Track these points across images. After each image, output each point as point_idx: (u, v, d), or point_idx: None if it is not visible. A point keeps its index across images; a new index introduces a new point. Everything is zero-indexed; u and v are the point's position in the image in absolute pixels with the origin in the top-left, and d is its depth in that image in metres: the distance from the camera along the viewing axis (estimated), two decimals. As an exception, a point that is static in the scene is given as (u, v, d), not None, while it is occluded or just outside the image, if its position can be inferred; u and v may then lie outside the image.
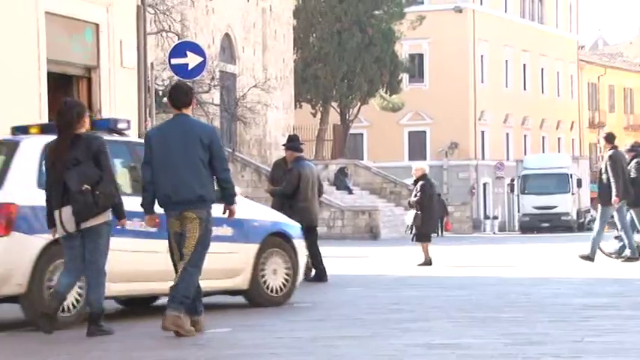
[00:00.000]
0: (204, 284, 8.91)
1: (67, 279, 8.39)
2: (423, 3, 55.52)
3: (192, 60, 17.20)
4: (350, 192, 39.46)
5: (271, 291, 10.77)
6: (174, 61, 17.39)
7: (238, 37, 39.89)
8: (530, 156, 56.55)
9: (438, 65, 57.00)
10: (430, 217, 17.41)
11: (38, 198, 8.73)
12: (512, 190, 52.97)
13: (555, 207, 49.28)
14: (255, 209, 10.85)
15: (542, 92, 65.43)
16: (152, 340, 8.28)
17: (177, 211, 8.23)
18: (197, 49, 17.52)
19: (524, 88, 63.71)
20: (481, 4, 58.86)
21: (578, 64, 69.55)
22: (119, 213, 8.43)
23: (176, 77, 18.72)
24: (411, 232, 17.58)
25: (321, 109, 45.85)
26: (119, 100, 16.08)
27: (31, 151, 9.18)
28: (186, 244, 8.22)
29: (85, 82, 15.81)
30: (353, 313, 10.09)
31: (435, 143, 57.09)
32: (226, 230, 10.10)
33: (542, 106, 64.31)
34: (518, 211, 51.82)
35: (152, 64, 17.75)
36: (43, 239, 8.79)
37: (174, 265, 8.36)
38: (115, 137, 9.68)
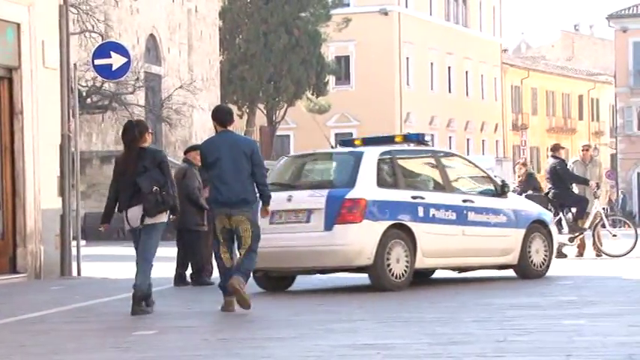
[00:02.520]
0: (486, 260, 13.09)
1: (139, 276, 10.03)
2: (349, 5, 55.72)
3: (116, 61, 17.02)
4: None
5: (535, 266, 13.49)
6: (97, 61, 17.19)
7: (163, 37, 39.63)
8: (455, 158, 57.03)
9: (364, 67, 57.27)
10: None
11: (377, 194, 12.05)
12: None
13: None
14: (523, 202, 14.20)
15: (467, 95, 66.11)
16: (73, 343, 8.18)
17: (225, 211, 10.01)
18: (121, 50, 17.34)
19: (449, 91, 64.31)
20: (406, 6, 59.27)
21: (502, 67, 70.40)
22: (174, 211, 10.14)
23: (100, 78, 18.49)
24: None
25: (247, 110, 45.75)
26: (41, 100, 15.86)
27: (371, 159, 12.28)
28: (244, 241, 10.01)
29: (6, 82, 15.56)
30: (279, 314, 10.07)
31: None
32: (502, 218, 13.19)
33: (467, 109, 64.98)
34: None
35: (75, 64, 17.53)
36: (383, 225, 11.93)
37: (218, 258, 10.18)
38: (422, 147, 13.35)
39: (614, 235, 18.57)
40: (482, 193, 13.29)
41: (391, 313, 9.84)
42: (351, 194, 11.92)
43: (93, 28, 31.03)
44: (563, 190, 18.71)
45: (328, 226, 11.91)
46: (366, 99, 56.56)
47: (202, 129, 40.67)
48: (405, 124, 58.63)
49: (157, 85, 38.76)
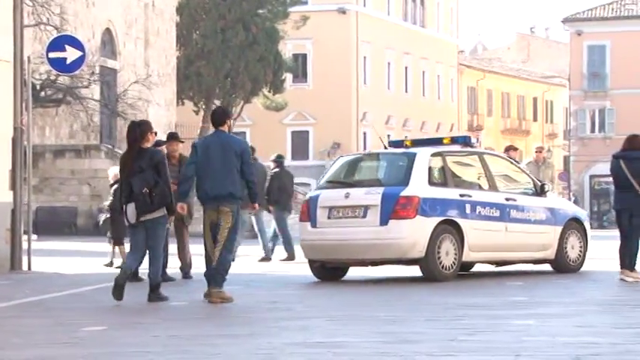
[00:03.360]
0: (526, 255, 14.02)
1: (132, 259, 10.78)
2: (307, 3, 55.68)
3: (70, 54, 16.88)
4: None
5: (570, 261, 14.39)
6: (52, 54, 17.03)
7: (120, 32, 39.37)
8: (411, 157, 57.25)
9: (322, 66, 57.29)
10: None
11: (429, 192, 12.97)
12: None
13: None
14: (560, 201, 15.40)
15: (423, 95, 66.38)
16: (19, 339, 8.10)
17: (214, 205, 10.69)
18: (76, 43, 17.19)
19: (406, 91, 64.53)
20: (364, 5, 59.38)
21: (458, 68, 70.77)
22: (170, 210, 10.76)
23: (54, 71, 18.32)
24: None
25: (203, 106, 45.58)
26: (-6, 93, 15.68)
27: (424, 159, 13.29)
28: (221, 232, 10.64)
29: (-42, 74, 15.36)
30: (231, 312, 10.05)
31: (318, 143, 57.38)
32: (542, 216, 14.09)
33: (423, 109, 65.24)
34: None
35: (29, 57, 17.34)
36: (434, 221, 12.83)
37: (206, 250, 10.78)
38: (469, 149, 14.25)
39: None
40: (524, 192, 14.30)
41: (344, 312, 9.85)
42: (406, 192, 12.99)
43: (48, 20, 30.75)
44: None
45: (384, 221, 12.94)
46: (323, 97, 56.59)
47: (157, 124, 40.42)
48: (361, 123, 58.77)
49: (112, 80, 38.49)
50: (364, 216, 13.07)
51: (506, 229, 13.70)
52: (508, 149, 19.73)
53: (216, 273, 10.69)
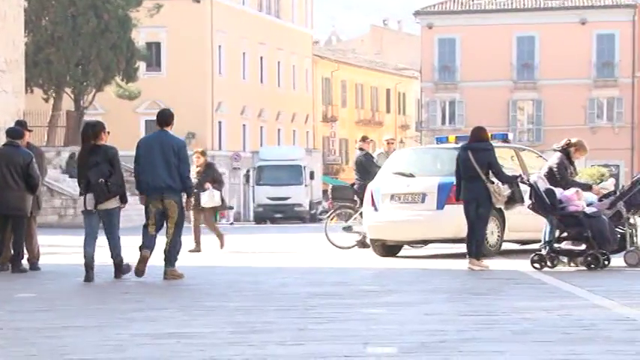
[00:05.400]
0: (533, 235, 14.88)
1: (88, 247, 12.29)
2: (161, -9, 55.06)
3: None
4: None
5: None
6: None
7: (-34, 16, 38.11)
8: (266, 148, 57.41)
9: (176, 54, 56.80)
10: None
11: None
12: (247, 181, 53.62)
13: (289, 198, 50.28)
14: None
15: (279, 85, 66.56)
16: None
17: (156, 195, 12.22)
18: None
19: (261, 81, 64.57)
20: (219, -5, 59.15)
21: (313, 59, 71.22)
22: (123, 199, 12.36)
23: None
24: None
25: (53, 94, 44.56)
26: None
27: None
28: (170, 221, 12.26)
29: None
30: (79, 304, 9.87)
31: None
32: None
33: (279, 99, 65.43)
34: (253, 202, 52.51)
35: None
36: None
37: (146, 230, 12.31)
38: (504, 144, 16.28)
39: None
40: None
41: (194, 302, 9.79)
42: None
43: None
44: (369, 181, 19.06)
45: (440, 206, 15.26)
46: (178, 86, 56.12)
47: (6, 112, 39.38)
48: (216, 112, 58.55)
49: (-43, 66, 37.24)
50: (423, 201, 15.49)
51: None
52: (361, 140, 19.97)
53: (169, 254, 12.24)
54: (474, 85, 62.19)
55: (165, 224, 12.35)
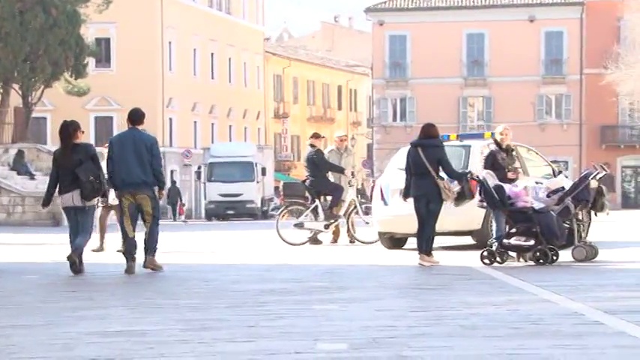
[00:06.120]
0: None
1: (77, 239, 12.64)
2: (110, -13, 54.64)
3: None
4: (32, 177, 38.25)
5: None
6: None
7: None
8: (217, 144, 57.24)
9: (126, 50, 56.45)
10: None
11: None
12: (198, 178, 53.43)
13: (241, 195, 50.17)
14: (567, 182, 16.11)
15: (230, 82, 66.40)
16: None
17: (129, 190, 12.77)
18: None
19: (212, 77, 64.38)
20: (170, -9, 58.84)
21: (264, 56, 71.13)
22: (104, 196, 13.56)
23: None
24: None
25: (1, 91, 44.06)
26: None
27: (477, 150, 16.51)
28: (146, 214, 12.81)
29: None
30: (27, 302, 9.78)
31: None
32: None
33: (230, 96, 65.28)
34: (205, 199, 52.34)
35: None
36: None
37: (122, 227, 12.93)
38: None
39: (367, 223, 19.11)
40: (545, 176, 17.07)
41: (144, 300, 9.75)
42: None
43: None
44: (320, 178, 19.11)
45: None
46: (128, 83, 55.78)
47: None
48: (167, 109, 58.27)
49: None
50: None
51: None
52: (313, 137, 19.98)
53: (148, 243, 12.79)
54: (424, 81, 62.49)
55: (140, 218, 12.92)
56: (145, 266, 12.79)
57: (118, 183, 12.91)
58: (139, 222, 13.01)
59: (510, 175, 14.19)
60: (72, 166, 12.57)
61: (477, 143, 16.93)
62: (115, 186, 12.99)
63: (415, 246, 13.87)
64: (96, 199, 13.01)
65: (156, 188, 12.92)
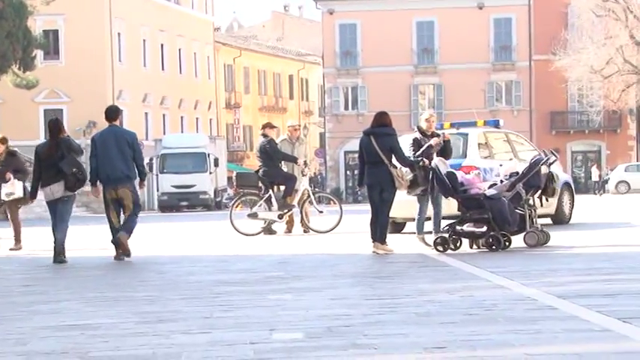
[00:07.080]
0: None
1: (59, 233, 13.32)
2: (58, -22, 54.09)
3: None
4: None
5: (565, 215, 19.41)
6: None
7: None
8: (169, 135, 57.00)
9: (75, 42, 55.97)
10: None
11: (481, 163, 16.84)
12: (151, 170, 53.18)
13: (194, 186, 50.04)
14: (557, 169, 16.82)
15: (180, 72, 66.09)
16: None
17: (113, 185, 13.49)
18: None
19: (163, 68, 64.05)
20: (118, -19, 58.40)
21: (215, 46, 70.88)
22: (82, 186, 13.65)
23: None
24: None
25: (-52, 84, 43.54)
26: None
27: (474, 137, 17.76)
28: (126, 207, 13.56)
29: None
30: (-20, 298, 9.68)
31: (73, 122, 56.02)
32: None
33: (181, 86, 64.98)
34: (158, 190, 52.10)
35: None
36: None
37: (109, 220, 13.70)
38: (498, 129, 18.66)
39: (321, 212, 19.15)
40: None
41: (99, 293, 9.69)
42: (465, 162, 16.92)
43: None
44: (273, 168, 19.10)
45: None
46: (77, 75, 55.33)
47: None
48: (117, 100, 57.88)
49: None
50: None
51: None
52: (265, 127, 19.94)
53: (127, 222, 13.48)
54: (375, 70, 62.64)
55: (122, 211, 13.63)
56: (115, 242, 13.39)
57: (102, 178, 13.57)
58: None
59: (434, 141, 14.06)
60: (56, 160, 13.19)
61: (473, 131, 17.78)
62: (100, 181, 13.62)
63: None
64: (73, 193, 13.47)
65: (138, 180, 13.64)
